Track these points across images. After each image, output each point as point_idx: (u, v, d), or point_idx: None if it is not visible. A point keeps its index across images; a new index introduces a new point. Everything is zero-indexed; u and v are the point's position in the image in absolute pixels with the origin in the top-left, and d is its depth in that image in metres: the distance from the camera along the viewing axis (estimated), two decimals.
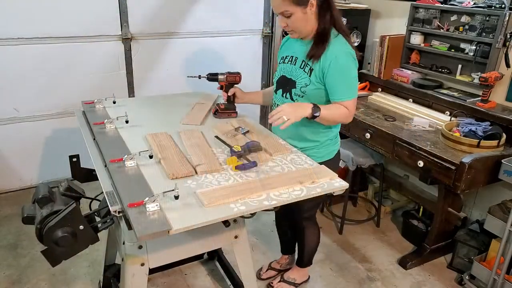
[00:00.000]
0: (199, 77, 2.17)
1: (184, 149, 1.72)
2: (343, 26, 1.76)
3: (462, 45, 2.71)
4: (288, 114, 1.62)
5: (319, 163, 1.68)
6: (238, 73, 2.17)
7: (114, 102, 2.26)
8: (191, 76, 2.18)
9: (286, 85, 1.84)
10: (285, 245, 2.49)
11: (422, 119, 2.65)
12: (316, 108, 1.68)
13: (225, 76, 2.15)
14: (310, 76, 1.74)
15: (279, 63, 1.91)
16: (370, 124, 2.62)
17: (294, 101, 1.80)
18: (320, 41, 1.70)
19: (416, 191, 3.01)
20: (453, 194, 2.43)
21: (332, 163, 1.88)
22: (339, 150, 2.00)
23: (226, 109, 2.15)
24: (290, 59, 1.84)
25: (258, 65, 3.99)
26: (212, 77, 2.16)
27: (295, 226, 2.25)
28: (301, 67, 1.78)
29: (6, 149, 3.15)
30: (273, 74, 4.02)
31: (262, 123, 4.09)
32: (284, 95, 1.85)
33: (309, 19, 1.67)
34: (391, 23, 3.23)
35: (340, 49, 1.69)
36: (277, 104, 1.88)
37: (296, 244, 2.39)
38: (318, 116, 1.68)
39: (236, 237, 1.71)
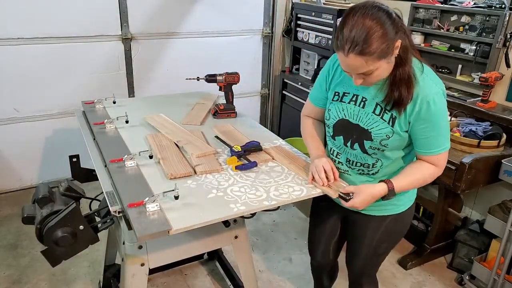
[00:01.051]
0: (198, 78, 2.17)
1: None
2: (416, 49, 1.37)
3: (462, 45, 2.71)
4: (360, 207, 1.42)
5: (398, 214, 1.52)
6: (237, 74, 2.17)
7: (114, 102, 2.26)
8: (189, 79, 2.18)
9: (351, 132, 1.45)
10: None
11: None
12: (389, 187, 1.40)
13: (223, 76, 2.15)
14: (393, 126, 1.36)
15: (334, 100, 1.48)
16: None
17: (369, 154, 1.44)
18: (404, 84, 1.30)
19: (416, 191, 3.00)
20: (453, 194, 2.43)
21: (410, 212, 1.63)
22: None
23: (225, 110, 2.15)
24: (354, 99, 1.43)
25: (258, 65, 3.99)
26: (211, 78, 2.16)
27: (333, 275, 2.07)
28: (377, 113, 1.38)
29: (6, 149, 3.15)
30: (273, 74, 4.03)
31: (261, 123, 4.10)
32: (350, 144, 1.46)
33: (391, 64, 1.30)
34: None
35: (432, 91, 1.31)
36: (337, 153, 1.54)
37: None
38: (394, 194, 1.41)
39: (236, 237, 1.71)
